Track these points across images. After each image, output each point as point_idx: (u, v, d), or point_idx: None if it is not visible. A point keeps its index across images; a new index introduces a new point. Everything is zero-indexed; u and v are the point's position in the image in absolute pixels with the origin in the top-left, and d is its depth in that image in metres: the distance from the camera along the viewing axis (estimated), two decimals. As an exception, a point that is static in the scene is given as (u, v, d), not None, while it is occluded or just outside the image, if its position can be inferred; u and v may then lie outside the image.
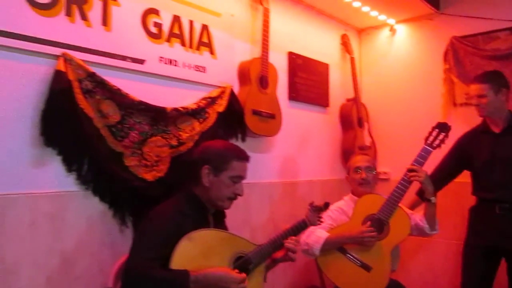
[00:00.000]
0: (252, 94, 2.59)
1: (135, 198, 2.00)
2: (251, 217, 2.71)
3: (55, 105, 1.75)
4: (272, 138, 2.82)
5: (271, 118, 2.70)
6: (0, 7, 1.64)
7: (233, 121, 2.49)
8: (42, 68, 1.77)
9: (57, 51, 1.78)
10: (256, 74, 2.62)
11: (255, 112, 2.59)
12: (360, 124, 3.51)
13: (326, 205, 1.96)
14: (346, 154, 3.34)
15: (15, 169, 1.70)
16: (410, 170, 2.25)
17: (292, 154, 3.09)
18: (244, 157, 1.84)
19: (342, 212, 2.41)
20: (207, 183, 1.77)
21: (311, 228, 2.09)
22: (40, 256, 1.75)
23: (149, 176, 2.05)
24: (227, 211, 1.93)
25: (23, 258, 1.70)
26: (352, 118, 3.47)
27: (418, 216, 2.34)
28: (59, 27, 1.80)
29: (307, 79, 3.20)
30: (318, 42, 3.37)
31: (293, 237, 1.87)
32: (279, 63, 2.90)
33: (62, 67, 1.76)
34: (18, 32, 1.69)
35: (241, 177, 1.83)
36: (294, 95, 3.09)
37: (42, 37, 1.75)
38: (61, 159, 1.81)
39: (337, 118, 3.54)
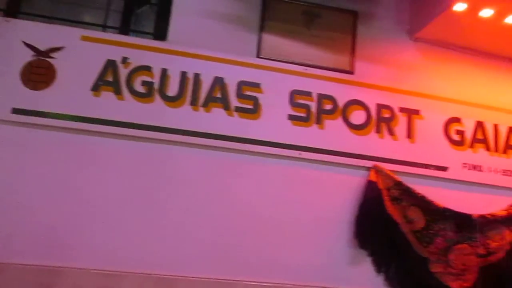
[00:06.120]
0: None
1: (442, 306, 1.97)
2: None
3: (366, 211, 2.00)
4: None
5: None
6: (329, 132, 2.07)
7: (554, 230, 2.17)
8: (356, 179, 2.07)
9: (369, 163, 2.07)
10: None
11: None
12: None
13: None
14: None
15: (334, 266, 1.98)
16: None
17: None
18: None
19: None
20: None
21: None
22: None
23: (455, 285, 1.99)
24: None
25: None
26: None
27: None
28: (370, 142, 2.11)
29: None
30: None
31: None
32: None
33: (373, 177, 2.03)
34: (340, 150, 2.06)
35: None
36: None
37: (357, 153, 2.08)
38: (371, 260, 2.00)
39: None
